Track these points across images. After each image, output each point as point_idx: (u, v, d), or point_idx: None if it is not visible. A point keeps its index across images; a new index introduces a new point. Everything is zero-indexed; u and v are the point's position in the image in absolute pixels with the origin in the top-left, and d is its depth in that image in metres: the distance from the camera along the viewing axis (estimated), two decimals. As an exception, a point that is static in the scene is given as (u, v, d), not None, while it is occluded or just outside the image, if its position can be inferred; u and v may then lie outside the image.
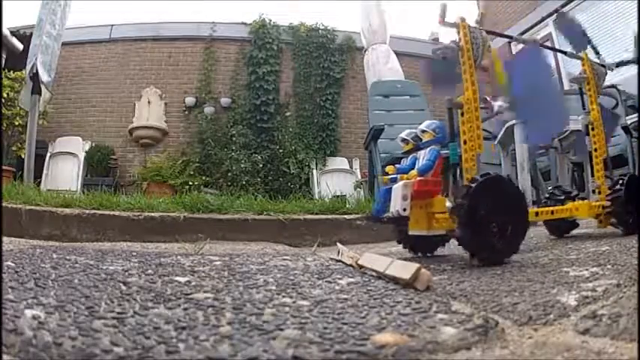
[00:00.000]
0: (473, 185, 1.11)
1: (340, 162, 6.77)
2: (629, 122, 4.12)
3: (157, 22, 7.32)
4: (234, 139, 6.45)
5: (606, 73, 1.79)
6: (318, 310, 0.65)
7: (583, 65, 1.72)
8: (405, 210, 1.12)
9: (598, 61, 1.79)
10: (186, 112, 6.99)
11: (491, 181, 1.14)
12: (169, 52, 7.23)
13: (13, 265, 0.99)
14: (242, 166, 6.03)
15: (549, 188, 1.86)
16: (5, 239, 1.60)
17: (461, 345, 0.50)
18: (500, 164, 3.96)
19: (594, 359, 0.46)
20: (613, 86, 4.55)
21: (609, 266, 0.96)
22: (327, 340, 0.51)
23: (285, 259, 1.30)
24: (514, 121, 3.59)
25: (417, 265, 0.82)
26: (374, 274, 0.96)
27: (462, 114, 1.26)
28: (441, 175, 1.25)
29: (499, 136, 3.84)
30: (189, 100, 6.96)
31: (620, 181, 1.58)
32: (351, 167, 6.69)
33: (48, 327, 0.53)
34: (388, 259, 0.96)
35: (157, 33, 7.25)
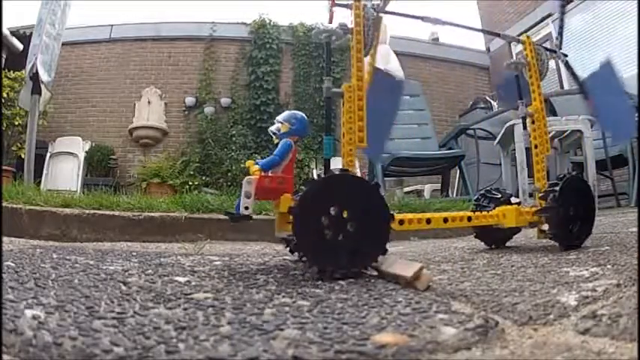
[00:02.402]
0: (309, 184, 0.94)
1: (340, 162, 6.76)
2: (629, 122, 4.11)
3: (156, 22, 7.33)
4: (234, 139, 6.45)
5: (564, 61, 1.63)
6: (318, 310, 0.65)
7: (524, 49, 1.50)
8: (246, 209, 0.99)
9: (549, 46, 1.59)
10: (186, 112, 7.00)
11: (337, 179, 0.96)
12: (169, 52, 7.23)
13: (13, 265, 0.99)
14: (242, 166, 6.03)
15: (478, 191, 1.63)
16: (5, 239, 1.60)
17: (461, 345, 0.50)
18: (500, 164, 3.96)
19: (594, 359, 0.46)
20: (613, 86, 4.54)
21: (609, 266, 0.96)
22: (327, 340, 0.51)
23: (285, 259, 1.30)
24: (514, 121, 3.60)
25: (420, 264, 0.82)
26: (374, 273, 0.96)
27: (343, 103, 1.13)
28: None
29: (499, 136, 3.85)
30: (189, 100, 6.96)
31: (556, 184, 1.33)
32: (351, 167, 6.69)
33: (48, 327, 0.53)
34: (391, 257, 0.96)
35: (156, 33, 7.25)
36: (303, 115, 1.17)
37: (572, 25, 6.47)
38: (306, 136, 1.17)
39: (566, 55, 1.62)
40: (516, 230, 1.55)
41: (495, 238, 1.56)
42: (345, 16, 1.21)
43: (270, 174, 1.06)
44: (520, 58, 1.51)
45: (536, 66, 1.48)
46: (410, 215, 1.18)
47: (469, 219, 1.30)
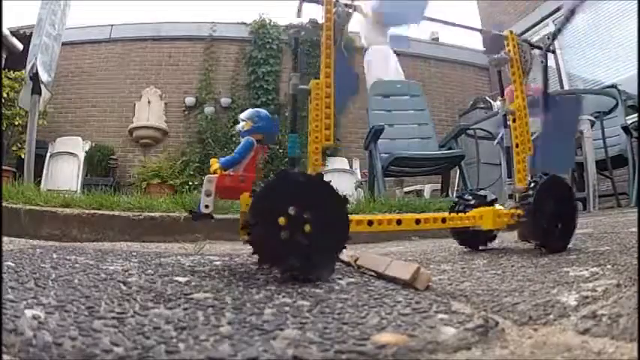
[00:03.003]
0: (265, 183, 0.91)
1: (340, 162, 6.78)
2: (629, 122, 4.12)
3: (156, 22, 7.33)
4: (234, 139, 6.46)
5: (546, 55, 1.52)
6: (318, 310, 0.65)
7: (507, 45, 1.44)
8: (207, 207, 0.99)
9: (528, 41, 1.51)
10: (186, 112, 7.00)
11: (289, 176, 0.93)
12: (169, 52, 7.24)
13: (13, 265, 0.99)
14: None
15: (457, 191, 1.66)
16: (5, 239, 1.60)
17: (461, 345, 0.50)
18: (500, 164, 3.96)
19: (594, 359, 0.46)
20: (613, 86, 4.56)
21: (609, 266, 0.96)
22: (327, 340, 0.51)
23: (285, 259, 1.30)
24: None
25: (417, 265, 0.82)
26: (373, 274, 0.96)
27: (310, 101, 1.12)
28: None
29: (499, 136, 3.85)
30: (189, 100, 6.96)
31: (533, 185, 1.27)
32: (351, 167, 6.70)
33: (48, 327, 0.53)
34: (387, 259, 0.96)
35: (156, 33, 7.26)
36: (268, 113, 1.17)
37: (572, 25, 6.46)
38: (271, 133, 1.13)
39: (553, 52, 1.58)
40: (494, 236, 1.48)
41: (473, 240, 1.48)
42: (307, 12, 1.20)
43: (231, 172, 1.05)
44: (502, 54, 1.45)
45: (520, 62, 1.43)
46: (379, 216, 1.15)
47: (443, 220, 1.24)
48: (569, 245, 1.30)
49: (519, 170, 1.38)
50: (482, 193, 1.47)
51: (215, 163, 1.07)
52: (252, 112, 1.14)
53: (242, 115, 1.14)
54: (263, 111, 1.16)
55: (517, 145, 1.40)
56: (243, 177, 1.04)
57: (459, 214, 1.35)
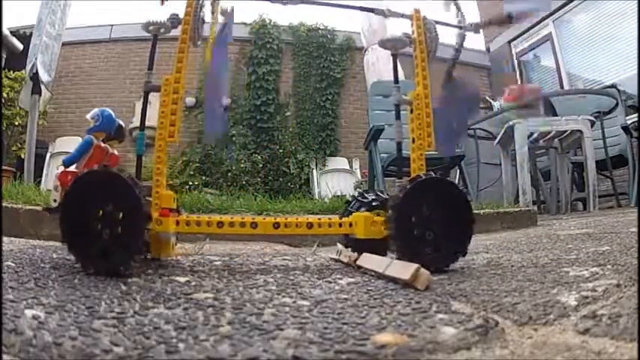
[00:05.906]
0: (75, 180, 0.95)
1: (340, 162, 6.78)
2: (629, 122, 4.12)
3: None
4: (234, 139, 6.46)
5: (464, 36, 1.34)
6: (318, 310, 0.65)
7: (412, 25, 1.23)
8: (55, 201, 1.05)
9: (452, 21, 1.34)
10: (186, 112, 6.99)
11: (95, 177, 0.96)
12: (169, 52, 7.23)
13: (13, 265, 0.99)
14: (242, 166, 6.04)
15: (353, 193, 1.36)
16: (5, 239, 1.60)
17: (461, 345, 0.50)
18: (500, 164, 3.96)
19: (594, 359, 0.46)
20: (613, 86, 4.56)
21: (609, 266, 0.96)
22: (327, 340, 0.51)
23: (285, 259, 1.30)
24: (514, 122, 3.60)
25: (417, 265, 0.82)
26: (373, 274, 0.96)
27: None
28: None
29: (499, 136, 3.85)
30: (189, 100, 6.95)
31: (401, 188, 1.04)
32: (351, 167, 6.70)
33: (48, 327, 0.53)
34: (387, 259, 0.96)
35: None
36: (111, 112, 1.23)
37: (573, 25, 6.47)
38: (111, 132, 1.19)
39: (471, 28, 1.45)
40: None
41: (366, 248, 1.19)
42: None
43: (74, 169, 1.11)
44: (403, 35, 1.25)
45: (424, 44, 1.22)
46: (234, 217, 1.09)
47: (309, 226, 1.09)
48: (455, 265, 1.06)
49: (414, 170, 1.15)
50: (383, 196, 1.23)
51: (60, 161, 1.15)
52: (96, 112, 1.21)
53: (87, 115, 1.21)
54: (107, 110, 1.22)
55: (413, 140, 1.17)
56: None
57: (332, 219, 1.18)
